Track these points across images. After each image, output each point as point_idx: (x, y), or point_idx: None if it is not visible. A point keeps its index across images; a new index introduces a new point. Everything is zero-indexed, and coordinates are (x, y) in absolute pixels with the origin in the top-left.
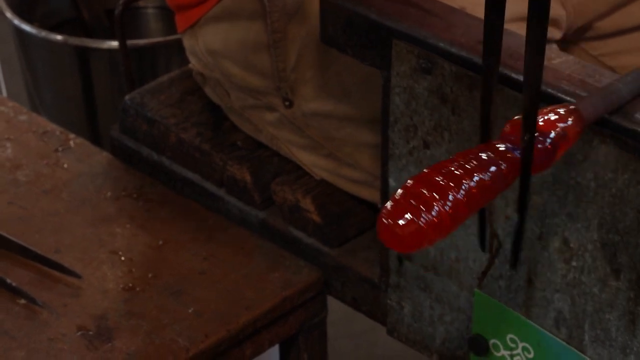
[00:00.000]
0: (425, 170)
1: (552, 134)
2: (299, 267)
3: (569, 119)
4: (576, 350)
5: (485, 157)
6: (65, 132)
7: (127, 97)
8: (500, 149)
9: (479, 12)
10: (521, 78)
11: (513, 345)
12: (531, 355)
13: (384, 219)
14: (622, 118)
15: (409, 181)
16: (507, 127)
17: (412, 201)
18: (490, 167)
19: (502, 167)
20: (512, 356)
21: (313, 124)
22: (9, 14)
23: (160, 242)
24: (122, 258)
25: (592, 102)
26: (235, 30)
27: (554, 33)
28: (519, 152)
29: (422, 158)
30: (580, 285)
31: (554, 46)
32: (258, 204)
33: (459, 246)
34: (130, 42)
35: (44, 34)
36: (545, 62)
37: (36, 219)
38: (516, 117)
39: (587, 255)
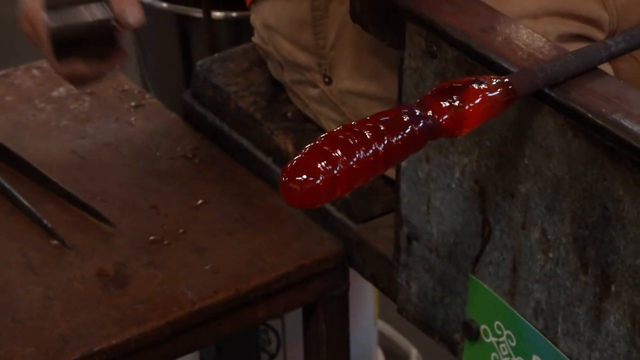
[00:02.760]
0: (336, 129)
1: (472, 102)
2: (322, 238)
3: (498, 89)
4: (550, 342)
5: (399, 119)
6: (143, 91)
7: (198, 63)
8: (416, 112)
9: (513, 3)
10: None
11: (499, 332)
12: (514, 344)
13: (283, 176)
14: (559, 93)
15: (319, 138)
16: (431, 91)
17: (313, 159)
18: (401, 130)
19: (415, 130)
20: (498, 343)
21: (348, 102)
22: None
23: (200, 202)
24: (159, 213)
25: (526, 76)
26: (288, 7)
27: (596, 34)
28: (433, 118)
29: None
30: (555, 277)
31: None
32: None
33: (456, 230)
34: (225, 14)
35: (150, 0)
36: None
37: (91, 169)
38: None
39: (561, 248)
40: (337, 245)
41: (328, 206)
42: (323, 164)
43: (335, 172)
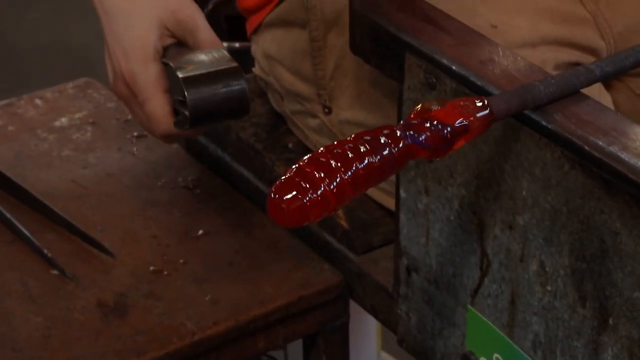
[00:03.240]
0: (321, 149)
1: (454, 124)
2: (322, 269)
3: (479, 112)
4: None
5: (380, 140)
6: None
7: None
8: (398, 133)
9: (511, 32)
10: None
11: None
12: None
13: (272, 194)
14: (539, 115)
15: (303, 159)
16: (413, 111)
17: (299, 179)
18: (381, 150)
19: (394, 151)
20: None
21: (347, 132)
22: None
23: (200, 232)
24: (160, 243)
25: (506, 97)
26: (288, 37)
27: None
28: (414, 137)
29: (427, 171)
30: (553, 310)
31: None
32: None
33: (455, 262)
34: (228, 44)
35: None
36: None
37: (91, 198)
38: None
39: (559, 280)
40: (338, 277)
41: (328, 237)
42: (306, 185)
43: (316, 195)
